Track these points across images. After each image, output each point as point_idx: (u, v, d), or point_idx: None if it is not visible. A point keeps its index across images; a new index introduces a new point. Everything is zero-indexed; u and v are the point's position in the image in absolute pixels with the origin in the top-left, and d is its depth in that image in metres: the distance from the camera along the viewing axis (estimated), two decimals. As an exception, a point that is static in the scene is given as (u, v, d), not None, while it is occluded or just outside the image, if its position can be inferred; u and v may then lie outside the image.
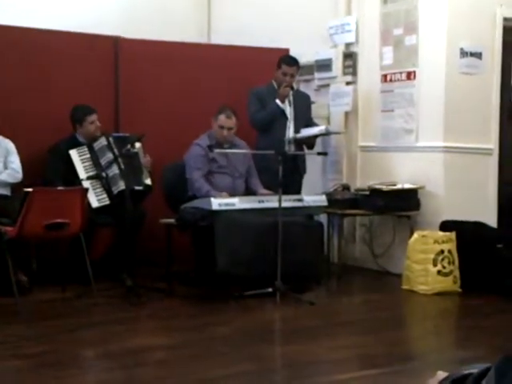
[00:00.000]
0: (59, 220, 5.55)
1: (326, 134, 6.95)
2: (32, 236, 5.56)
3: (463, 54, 6.59)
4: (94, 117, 6.32)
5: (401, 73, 6.83)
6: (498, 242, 6.12)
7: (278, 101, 6.67)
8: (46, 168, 6.19)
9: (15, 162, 6.11)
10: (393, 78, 6.89)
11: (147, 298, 5.64)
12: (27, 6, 7.32)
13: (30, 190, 5.45)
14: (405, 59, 6.80)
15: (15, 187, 6.09)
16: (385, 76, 6.96)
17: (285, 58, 6.86)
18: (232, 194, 6.06)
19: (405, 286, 6.09)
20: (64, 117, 6.30)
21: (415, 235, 6.11)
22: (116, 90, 6.90)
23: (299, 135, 6.75)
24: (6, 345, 4.51)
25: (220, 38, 8.12)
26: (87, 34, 6.75)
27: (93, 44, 6.77)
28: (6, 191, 6.10)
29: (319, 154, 6.61)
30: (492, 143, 6.76)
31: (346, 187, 6.87)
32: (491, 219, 6.60)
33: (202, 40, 8.29)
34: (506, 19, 6.73)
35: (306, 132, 6.79)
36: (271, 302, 5.53)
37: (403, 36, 6.81)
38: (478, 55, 6.66)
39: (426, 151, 6.62)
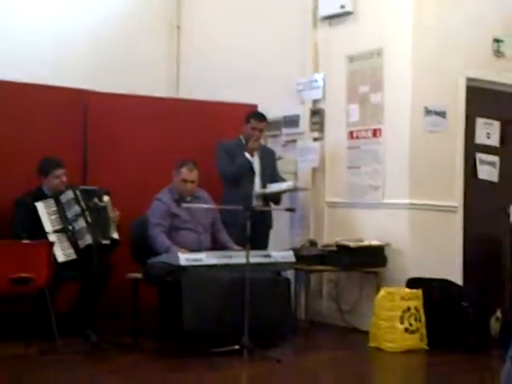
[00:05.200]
0: (24, 274, 5.48)
1: (294, 190, 7.01)
2: (-4, 290, 5.47)
3: (427, 112, 6.71)
4: (60, 171, 6.27)
5: (367, 130, 6.92)
6: (463, 299, 6.17)
7: (246, 154, 6.74)
8: (13, 220, 6.10)
9: (-19, 214, 6.04)
10: (359, 135, 6.98)
11: (112, 353, 5.57)
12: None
13: (-5, 243, 5.40)
14: (370, 116, 6.90)
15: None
16: (351, 133, 7.05)
17: (254, 113, 6.98)
18: (197, 249, 6.04)
19: (372, 344, 6.08)
20: (32, 169, 6.25)
21: (382, 292, 6.13)
22: (84, 143, 6.87)
23: (268, 190, 6.81)
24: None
25: (188, 91, 8.18)
26: (56, 86, 6.75)
27: (61, 97, 6.76)
28: (-31, 243, 6.00)
29: (287, 209, 6.65)
30: (456, 201, 6.85)
31: (313, 243, 6.89)
32: (457, 276, 6.66)
33: (171, 93, 8.34)
34: (469, 79, 6.88)
35: (274, 187, 6.85)
36: (238, 359, 5.48)
37: (369, 94, 6.92)
38: (442, 114, 6.78)
39: (392, 208, 6.68)
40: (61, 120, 6.74)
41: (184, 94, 8.35)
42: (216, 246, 6.36)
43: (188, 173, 6.25)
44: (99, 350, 5.54)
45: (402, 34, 6.71)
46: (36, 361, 5.41)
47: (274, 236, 6.96)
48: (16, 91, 6.56)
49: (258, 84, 7.71)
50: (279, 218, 7.08)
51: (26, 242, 5.76)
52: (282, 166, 7.21)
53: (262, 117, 6.92)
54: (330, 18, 7.24)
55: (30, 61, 7.47)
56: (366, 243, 6.57)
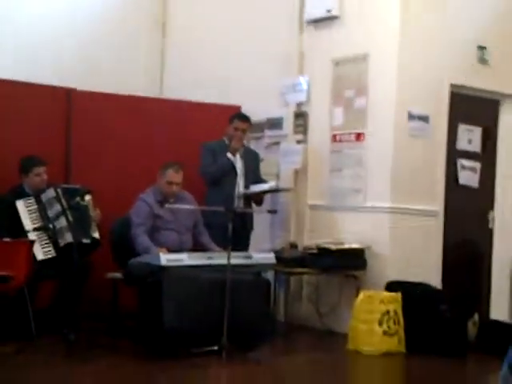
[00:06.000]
0: (3, 273, 5.46)
1: (276, 190, 7.03)
2: (-25, 288, 5.45)
3: (411, 117, 6.73)
4: (41, 169, 6.24)
5: (350, 134, 6.94)
6: (441, 303, 6.21)
7: (229, 154, 6.75)
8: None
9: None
10: (342, 139, 7.00)
11: (90, 353, 5.55)
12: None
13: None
14: (354, 120, 6.91)
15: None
16: (334, 136, 7.07)
17: (237, 114, 7.03)
18: (179, 250, 6.05)
19: (350, 346, 6.09)
20: (13, 167, 6.23)
21: (361, 295, 6.15)
22: (68, 141, 6.88)
23: (249, 191, 6.82)
24: None
25: (172, 91, 8.18)
26: (40, 84, 6.73)
27: (45, 95, 6.76)
28: None
29: (269, 211, 6.66)
30: (437, 205, 6.88)
31: (293, 245, 6.91)
32: (435, 280, 6.69)
33: (155, 92, 8.33)
34: (452, 85, 6.92)
35: (256, 188, 6.87)
36: (217, 360, 5.49)
37: (353, 98, 6.94)
38: (426, 119, 6.81)
39: (374, 211, 6.70)
40: (44, 118, 6.74)
41: (167, 93, 8.34)
42: (197, 247, 6.36)
43: (174, 174, 6.25)
44: (77, 349, 5.52)
45: (387, 39, 6.74)
46: (13, 360, 5.36)
47: (254, 237, 6.97)
48: (-1, 88, 6.55)
49: (242, 85, 7.71)
50: (260, 219, 7.08)
51: (5, 240, 5.74)
52: (264, 168, 7.21)
53: (245, 117, 6.95)
54: (316, 21, 7.25)
55: (11, 58, 7.43)
56: (346, 246, 6.59)
